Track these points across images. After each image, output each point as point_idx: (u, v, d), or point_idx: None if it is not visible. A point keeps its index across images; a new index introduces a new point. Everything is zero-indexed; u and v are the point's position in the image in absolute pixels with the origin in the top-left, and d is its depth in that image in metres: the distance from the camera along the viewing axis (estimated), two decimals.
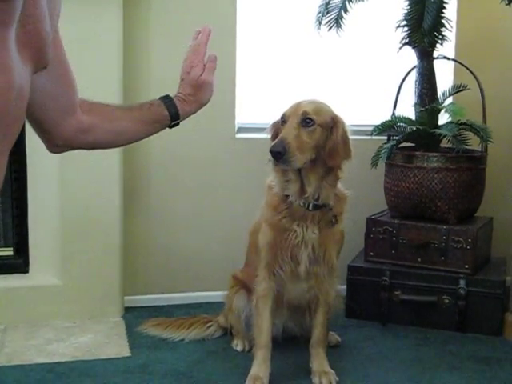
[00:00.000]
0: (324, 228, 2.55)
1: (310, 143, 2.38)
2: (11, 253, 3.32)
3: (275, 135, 2.48)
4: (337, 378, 2.60)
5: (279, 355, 2.74)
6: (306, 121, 2.39)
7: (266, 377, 2.54)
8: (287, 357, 2.81)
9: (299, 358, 2.76)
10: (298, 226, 2.52)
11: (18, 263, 3.29)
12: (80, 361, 2.78)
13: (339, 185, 2.59)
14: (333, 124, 2.46)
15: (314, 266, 2.56)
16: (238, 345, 2.92)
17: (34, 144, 3.18)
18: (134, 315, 3.28)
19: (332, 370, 2.63)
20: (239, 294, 2.90)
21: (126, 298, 3.35)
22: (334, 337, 3.01)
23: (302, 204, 2.49)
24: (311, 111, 2.40)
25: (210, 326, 3.04)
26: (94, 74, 3.10)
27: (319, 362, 2.65)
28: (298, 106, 2.44)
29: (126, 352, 2.86)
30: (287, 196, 2.51)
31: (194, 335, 3.01)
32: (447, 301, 3.18)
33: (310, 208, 2.50)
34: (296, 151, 2.32)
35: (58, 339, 2.99)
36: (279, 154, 2.30)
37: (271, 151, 2.31)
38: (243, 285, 2.89)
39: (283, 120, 2.44)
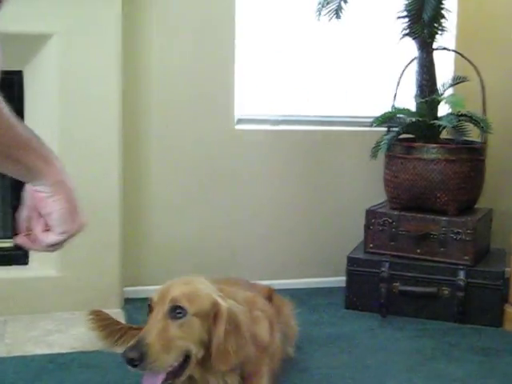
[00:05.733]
0: None
1: (181, 339, 1.89)
2: (11, 244, 3.32)
3: None
4: None
5: None
6: (176, 311, 1.91)
7: None
8: None
9: None
10: None
11: (18, 255, 3.29)
12: (80, 352, 2.78)
13: (259, 324, 2.17)
14: (215, 312, 1.97)
15: None
16: None
17: None
18: (134, 306, 3.28)
19: None
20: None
21: (125, 289, 3.36)
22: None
23: None
24: (182, 298, 1.92)
25: None
26: (93, 63, 3.11)
27: None
28: (167, 290, 1.96)
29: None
30: None
31: None
32: (447, 292, 3.19)
33: None
34: (160, 353, 1.82)
35: (58, 330, 3.00)
36: (134, 361, 1.80)
37: (123, 357, 1.82)
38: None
39: (150, 308, 1.97)
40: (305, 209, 3.69)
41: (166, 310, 1.90)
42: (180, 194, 3.50)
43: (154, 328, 1.85)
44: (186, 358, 1.90)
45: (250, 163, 3.59)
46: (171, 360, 1.86)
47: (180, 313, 1.90)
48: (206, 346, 1.94)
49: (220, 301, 1.99)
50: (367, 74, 3.77)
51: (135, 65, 3.34)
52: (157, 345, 1.82)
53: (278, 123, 3.67)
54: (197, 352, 1.92)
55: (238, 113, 3.58)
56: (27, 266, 3.28)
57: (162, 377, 1.85)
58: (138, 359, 1.79)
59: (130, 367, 1.82)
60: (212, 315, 1.96)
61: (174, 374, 1.89)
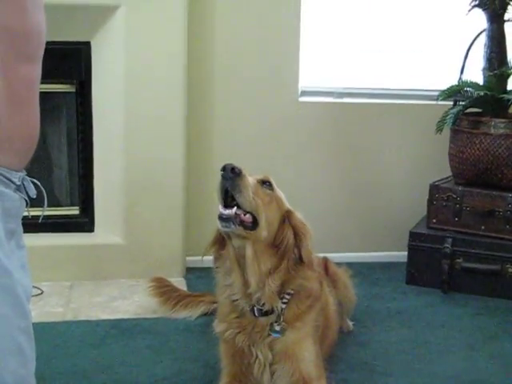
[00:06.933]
0: (277, 341, 2.06)
1: (263, 202, 1.99)
2: (77, 212, 3.40)
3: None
4: None
5: None
6: (266, 183, 2.05)
7: None
8: None
9: None
10: (253, 345, 2.08)
11: (84, 222, 3.37)
12: (142, 318, 2.85)
13: (309, 272, 2.10)
14: (286, 218, 2.06)
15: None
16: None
17: (100, 106, 3.25)
18: (195, 276, 3.33)
19: None
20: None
21: (187, 258, 3.40)
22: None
23: (248, 308, 2.05)
24: (272, 180, 2.08)
25: None
26: (159, 33, 3.13)
27: None
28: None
29: None
30: (236, 300, 2.07)
31: (201, 312, 2.84)
32: (511, 270, 3.13)
33: (256, 313, 2.05)
34: (248, 186, 1.94)
35: (122, 297, 3.08)
36: (233, 172, 1.92)
37: (224, 166, 1.93)
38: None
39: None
40: (368, 182, 3.66)
41: (259, 178, 2.03)
42: (242, 164, 3.50)
43: (249, 178, 1.97)
44: (254, 224, 1.96)
45: (312, 135, 3.58)
46: (251, 205, 1.94)
47: (269, 186, 2.05)
48: (270, 235, 2.01)
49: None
50: (434, 46, 3.69)
51: (200, 37, 3.35)
52: (248, 180, 1.95)
53: (342, 96, 3.64)
54: (263, 227, 1.97)
55: (302, 85, 3.56)
56: (93, 234, 3.36)
57: (235, 210, 1.92)
58: (236, 172, 1.92)
59: (222, 178, 1.93)
60: (284, 219, 2.05)
61: (242, 221, 1.93)
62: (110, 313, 2.90)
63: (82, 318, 2.84)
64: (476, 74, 3.37)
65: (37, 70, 1.37)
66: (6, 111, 1.29)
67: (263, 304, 2.02)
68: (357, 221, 3.68)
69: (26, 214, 1.42)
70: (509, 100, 3.14)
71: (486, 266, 3.17)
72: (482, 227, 3.22)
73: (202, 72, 3.39)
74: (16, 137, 1.33)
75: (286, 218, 2.07)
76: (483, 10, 3.27)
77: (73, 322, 2.79)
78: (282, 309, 2.05)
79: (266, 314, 2.06)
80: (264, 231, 1.99)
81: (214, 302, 2.60)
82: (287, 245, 2.03)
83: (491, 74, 3.23)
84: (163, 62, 3.17)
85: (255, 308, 2.05)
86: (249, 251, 1.98)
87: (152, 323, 2.80)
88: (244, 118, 3.49)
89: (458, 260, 3.21)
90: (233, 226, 1.93)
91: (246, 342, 2.08)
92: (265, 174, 2.07)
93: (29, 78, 1.35)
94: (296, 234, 2.05)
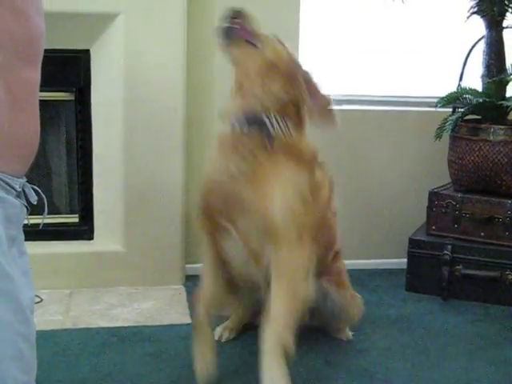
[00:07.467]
0: (257, 158, 1.85)
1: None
2: (76, 220, 3.40)
3: None
4: None
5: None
6: None
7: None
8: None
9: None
10: (232, 163, 1.88)
11: (83, 230, 3.37)
12: (142, 326, 2.84)
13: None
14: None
15: (248, 224, 1.86)
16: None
17: (99, 114, 3.25)
18: (195, 283, 3.31)
19: None
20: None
21: (187, 266, 3.40)
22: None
23: (235, 120, 1.91)
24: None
25: None
26: (158, 41, 3.14)
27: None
28: None
29: (186, 319, 2.91)
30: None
31: None
32: (510, 276, 3.13)
33: (244, 123, 1.89)
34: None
35: (121, 305, 3.07)
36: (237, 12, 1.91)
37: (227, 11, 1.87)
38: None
39: None
40: (366, 189, 3.66)
41: None
42: None
43: None
44: None
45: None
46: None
47: None
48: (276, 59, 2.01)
49: None
50: (433, 53, 3.70)
51: (199, 43, 3.35)
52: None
53: (341, 103, 3.64)
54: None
55: None
56: (92, 241, 3.36)
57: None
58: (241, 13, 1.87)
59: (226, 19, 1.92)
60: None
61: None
62: (110, 320, 2.90)
63: (82, 325, 2.84)
64: (475, 80, 3.38)
65: (37, 73, 1.38)
66: (8, 116, 1.30)
67: (255, 109, 1.89)
68: (356, 228, 3.67)
69: (25, 221, 1.42)
70: (508, 107, 3.14)
71: (485, 272, 3.17)
72: (482, 234, 3.22)
73: (200, 80, 3.39)
74: (17, 142, 1.34)
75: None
76: (482, 16, 3.28)
77: (72, 330, 2.79)
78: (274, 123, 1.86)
79: (254, 124, 1.87)
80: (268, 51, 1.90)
81: None
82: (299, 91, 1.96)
83: (490, 80, 3.23)
84: (163, 69, 3.17)
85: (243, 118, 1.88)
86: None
87: (152, 331, 2.80)
88: None
89: (457, 267, 3.21)
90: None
91: (226, 161, 1.87)
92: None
93: (30, 82, 1.35)
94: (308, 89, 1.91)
